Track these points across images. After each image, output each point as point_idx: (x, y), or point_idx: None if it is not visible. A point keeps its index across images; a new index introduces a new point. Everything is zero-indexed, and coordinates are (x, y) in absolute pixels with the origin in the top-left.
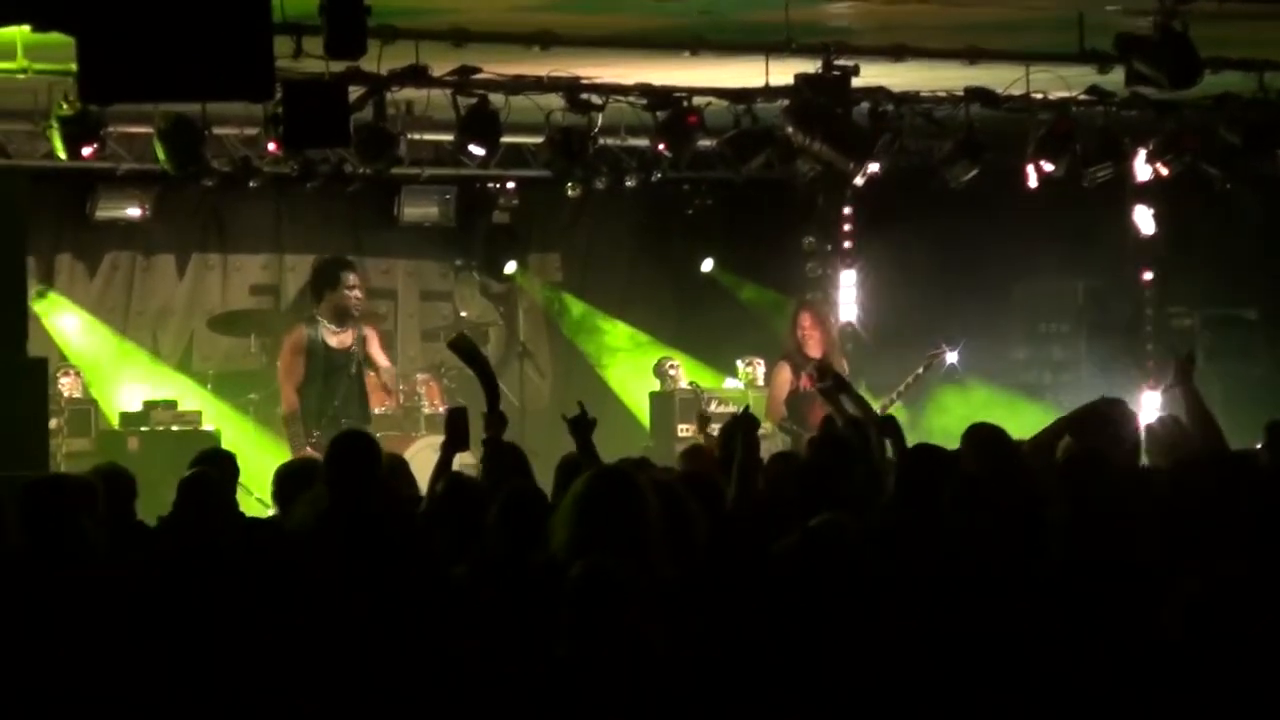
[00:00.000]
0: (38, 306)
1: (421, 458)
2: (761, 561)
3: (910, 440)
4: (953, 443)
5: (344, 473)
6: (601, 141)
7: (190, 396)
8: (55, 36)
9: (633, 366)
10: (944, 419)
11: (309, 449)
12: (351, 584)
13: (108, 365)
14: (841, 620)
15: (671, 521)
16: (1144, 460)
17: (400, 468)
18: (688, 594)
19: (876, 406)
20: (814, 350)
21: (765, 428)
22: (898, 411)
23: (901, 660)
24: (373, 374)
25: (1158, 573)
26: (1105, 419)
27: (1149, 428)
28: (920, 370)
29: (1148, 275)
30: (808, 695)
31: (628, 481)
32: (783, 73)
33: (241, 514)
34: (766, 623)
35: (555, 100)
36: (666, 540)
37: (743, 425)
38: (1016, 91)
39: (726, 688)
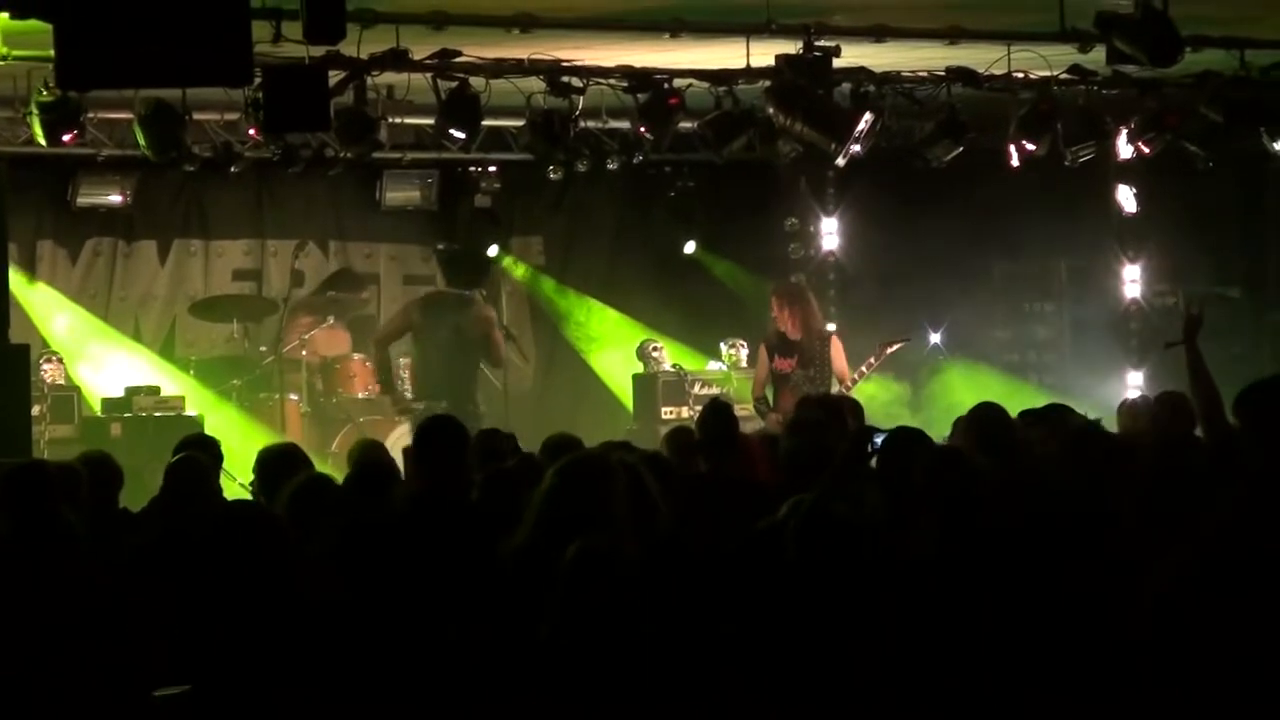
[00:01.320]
0: (19, 293)
1: (404, 444)
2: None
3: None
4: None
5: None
6: (583, 124)
7: (173, 382)
8: (33, 23)
9: (616, 349)
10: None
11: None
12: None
13: (90, 352)
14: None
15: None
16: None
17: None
18: (656, 575)
19: (836, 389)
20: (792, 333)
21: (747, 409)
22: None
23: (888, 641)
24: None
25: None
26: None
27: (1121, 405)
28: (872, 360)
29: (1130, 254)
30: (792, 678)
31: (602, 465)
32: (763, 54)
33: (225, 499)
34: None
35: (536, 83)
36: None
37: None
38: (998, 71)
39: (709, 669)
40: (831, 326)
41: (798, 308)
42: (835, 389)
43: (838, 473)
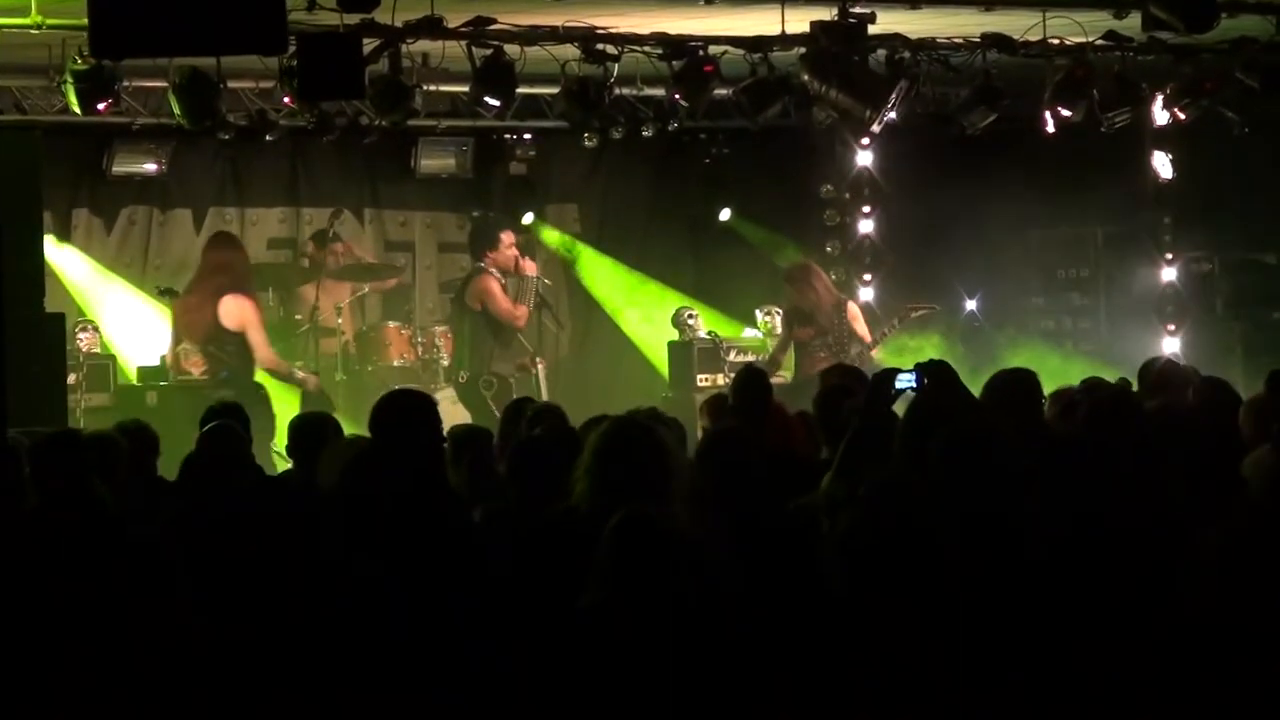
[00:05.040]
0: (55, 262)
1: (440, 411)
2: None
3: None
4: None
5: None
6: (617, 91)
7: None
8: None
9: (651, 316)
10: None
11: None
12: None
13: (125, 320)
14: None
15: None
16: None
17: None
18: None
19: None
20: (809, 309)
21: (781, 378)
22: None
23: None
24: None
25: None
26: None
27: (1144, 366)
28: (896, 322)
29: (1166, 220)
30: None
31: (647, 432)
32: (798, 20)
33: (259, 467)
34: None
35: (571, 50)
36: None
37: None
38: (1033, 37)
39: (752, 641)
40: (865, 297)
41: (808, 284)
42: (856, 351)
43: (858, 433)
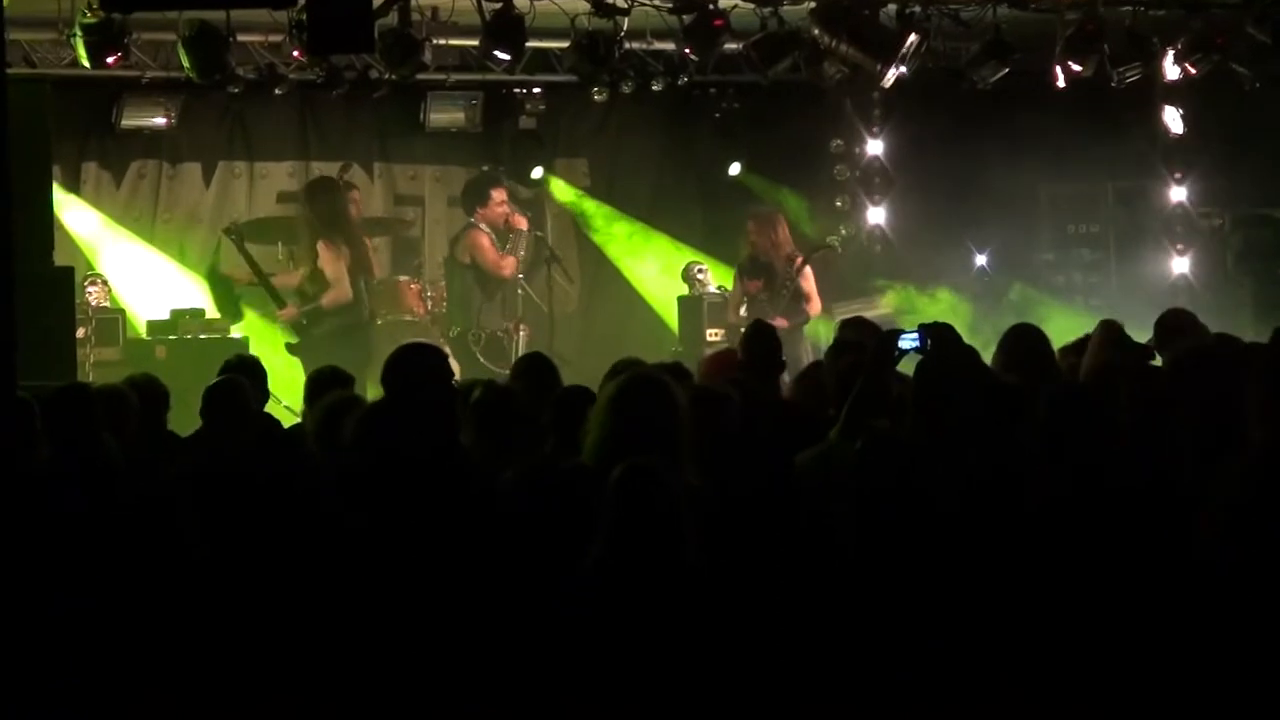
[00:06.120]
0: (64, 216)
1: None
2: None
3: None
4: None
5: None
6: (627, 45)
7: (217, 305)
8: None
9: (661, 271)
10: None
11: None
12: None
13: (134, 274)
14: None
15: (703, 429)
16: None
17: None
18: (715, 502)
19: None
20: (763, 256)
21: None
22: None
23: (934, 575)
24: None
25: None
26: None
27: (1160, 320)
28: (795, 268)
29: (1176, 175)
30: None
31: (660, 386)
32: None
33: (273, 419)
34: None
35: (581, 4)
36: (695, 448)
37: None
38: None
39: (753, 599)
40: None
41: (768, 230)
42: (800, 314)
43: (862, 392)
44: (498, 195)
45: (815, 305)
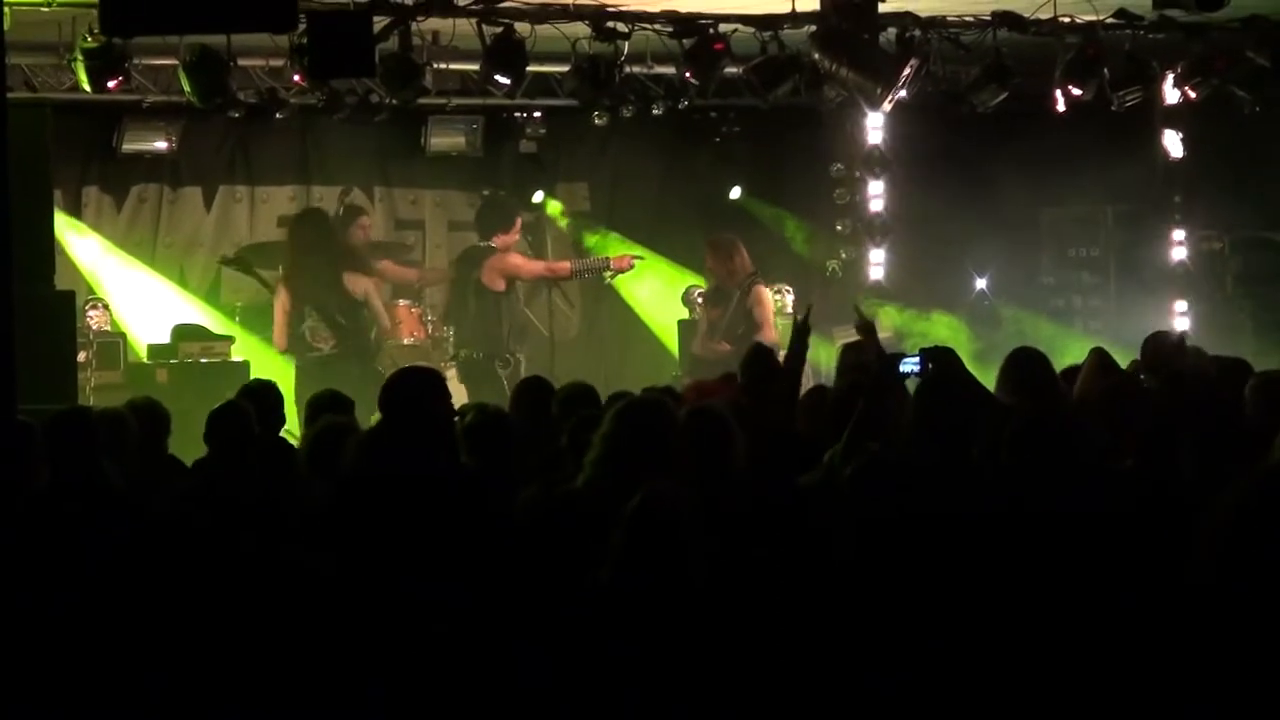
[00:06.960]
0: (65, 240)
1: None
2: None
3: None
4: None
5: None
6: (628, 70)
7: (219, 328)
8: None
9: (661, 294)
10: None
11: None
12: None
13: (135, 298)
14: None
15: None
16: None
17: None
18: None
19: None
20: (722, 282)
21: None
22: None
23: (943, 597)
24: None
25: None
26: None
27: (1148, 340)
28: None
29: (1176, 199)
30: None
31: (663, 409)
32: None
33: (284, 443)
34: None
35: (581, 28)
36: (696, 469)
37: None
38: (1044, 15)
39: (758, 620)
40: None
41: (723, 258)
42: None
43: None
44: (519, 223)
45: (768, 334)
